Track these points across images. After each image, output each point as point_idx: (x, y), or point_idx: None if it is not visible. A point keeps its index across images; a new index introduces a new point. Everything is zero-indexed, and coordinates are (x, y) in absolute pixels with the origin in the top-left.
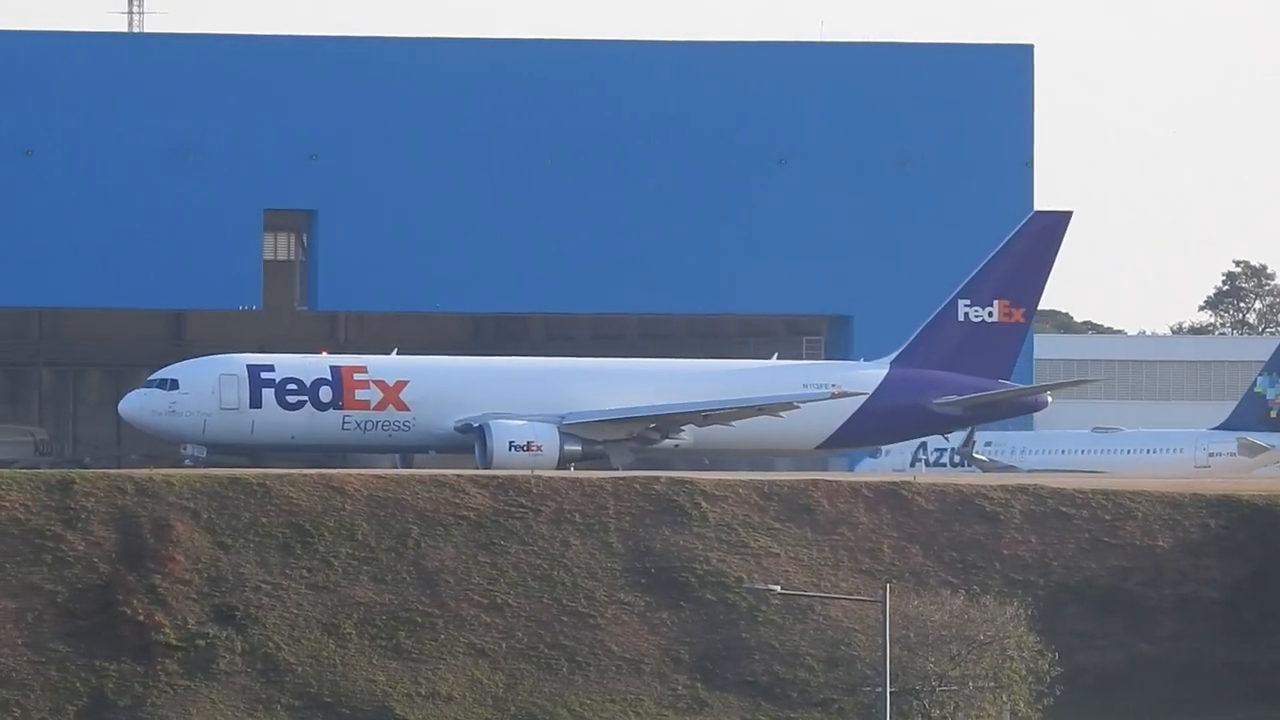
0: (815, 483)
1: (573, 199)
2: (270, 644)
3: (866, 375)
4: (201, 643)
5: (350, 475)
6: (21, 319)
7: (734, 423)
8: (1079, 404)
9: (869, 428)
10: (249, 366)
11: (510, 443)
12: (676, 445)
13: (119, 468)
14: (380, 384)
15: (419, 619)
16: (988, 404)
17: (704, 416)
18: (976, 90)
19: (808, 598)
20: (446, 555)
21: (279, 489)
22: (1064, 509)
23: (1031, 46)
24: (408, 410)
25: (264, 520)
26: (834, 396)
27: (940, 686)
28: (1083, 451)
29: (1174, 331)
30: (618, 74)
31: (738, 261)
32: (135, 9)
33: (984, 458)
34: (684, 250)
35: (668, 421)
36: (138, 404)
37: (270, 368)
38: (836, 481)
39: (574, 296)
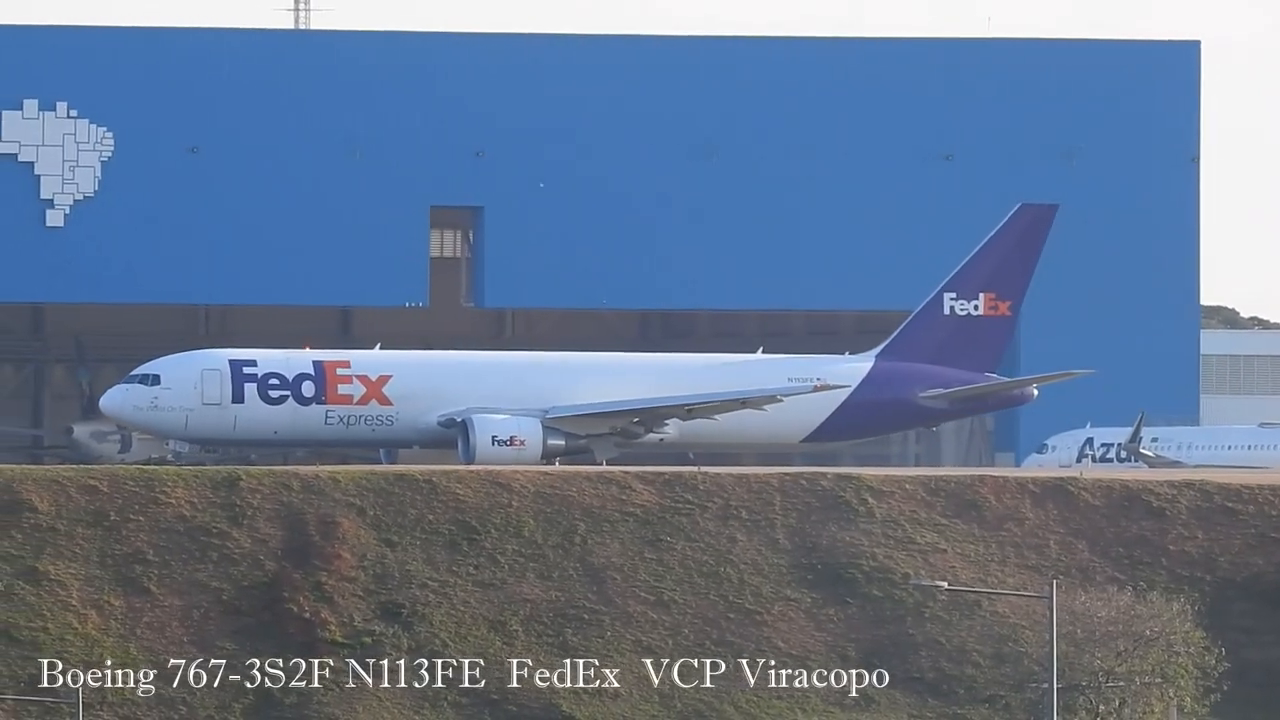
0: (982, 478)
1: (739, 195)
2: (437, 641)
3: (852, 369)
4: (368, 640)
5: (517, 472)
6: (188, 316)
7: (718, 416)
8: (1245, 399)
9: (854, 421)
10: (231, 361)
11: (493, 437)
12: (661, 439)
13: (284, 464)
14: (363, 379)
15: (585, 616)
16: (974, 397)
17: (687, 410)
18: (1142, 86)
19: (974, 594)
20: (613, 552)
21: (445, 485)
22: (1230, 504)
23: (1198, 43)
24: (391, 405)
25: (430, 517)
26: (817, 389)
27: (1107, 683)
28: (1249, 447)
29: None
30: (781, 69)
31: (903, 256)
32: (301, 6)
33: (1150, 453)
34: (851, 246)
35: (651, 415)
36: (119, 399)
37: (253, 362)
38: (1003, 477)
39: (741, 293)
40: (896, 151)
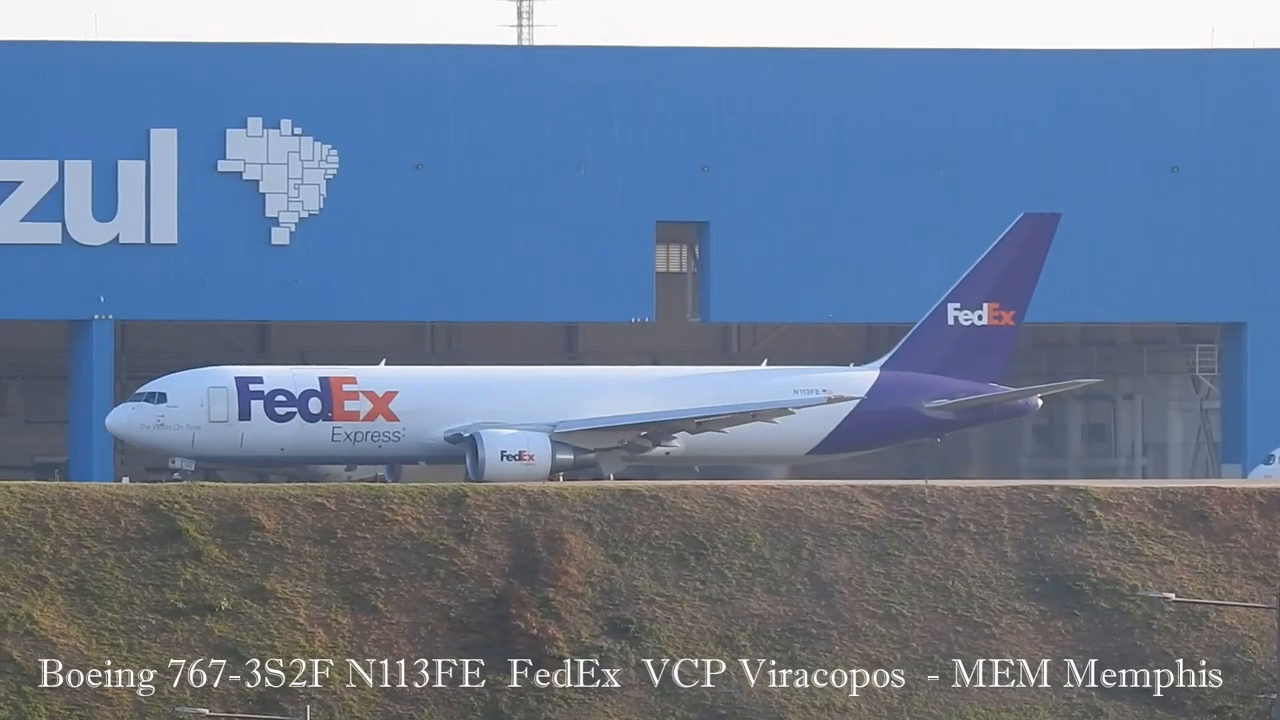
0: (1209, 490)
1: (962, 207)
2: (665, 656)
3: (858, 379)
4: (596, 656)
5: (743, 486)
6: (414, 333)
7: (727, 429)
8: None
9: (861, 432)
10: (237, 379)
11: (502, 452)
12: (668, 453)
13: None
14: (370, 394)
15: (813, 630)
16: (979, 407)
17: (697, 423)
18: None
19: (1202, 605)
20: (840, 566)
21: (672, 500)
22: None
23: None
24: (397, 421)
25: (657, 532)
26: (830, 401)
27: None
28: None
29: None
30: (1001, 81)
31: (1129, 268)
32: (525, 22)
33: None
34: (1076, 257)
35: (660, 429)
36: (125, 418)
37: (259, 379)
38: (1230, 489)
39: None
40: (1119, 163)
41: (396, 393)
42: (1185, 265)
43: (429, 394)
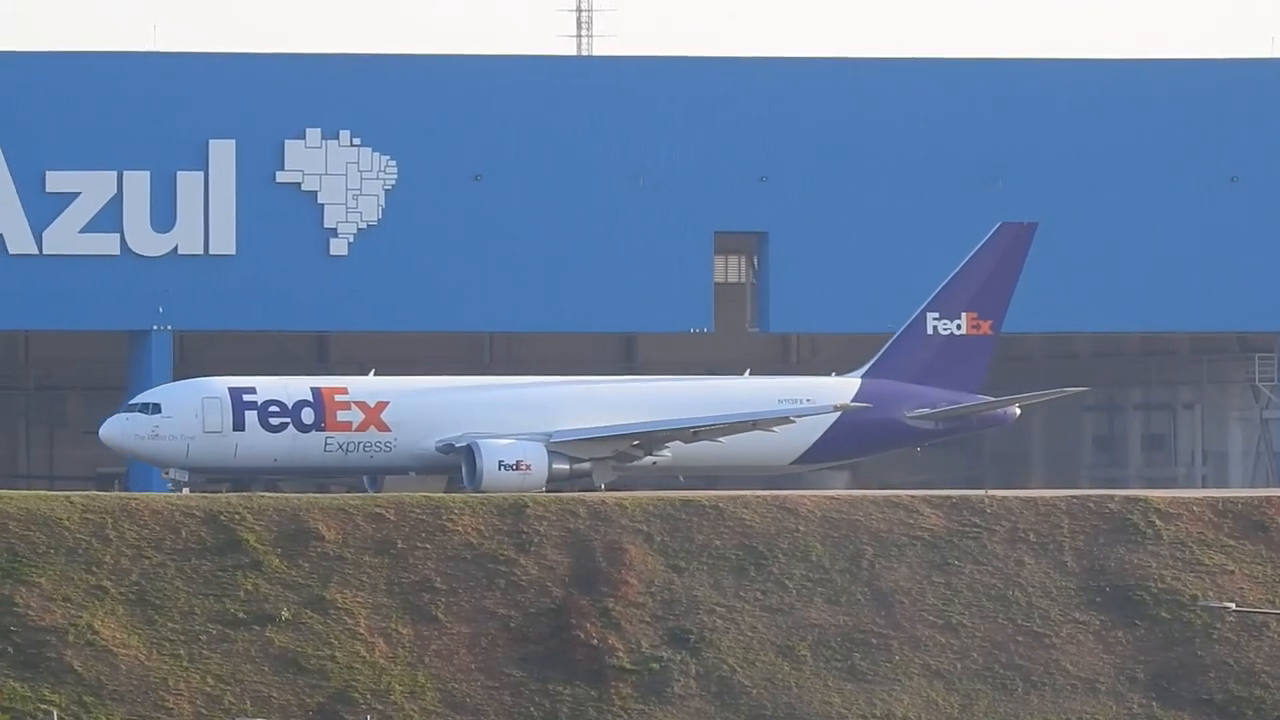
0: (1270, 500)
1: (1021, 217)
2: (725, 667)
3: (840, 388)
4: (656, 666)
5: (804, 496)
6: (473, 343)
7: (722, 439)
8: None
9: (844, 442)
10: (231, 389)
11: (500, 462)
12: (655, 462)
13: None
14: (361, 405)
15: (873, 640)
16: (959, 416)
17: (693, 432)
18: None
19: (1262, 615)
20: (900, 576)
21: (732, 510)
22: None
23: None
24: (389, 431)
25: (717, 542)
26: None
27: None
28: None
29: None
30: (1059, 91)
31: (1189, 277)
32: (584, 32)
33: None
34: (1136, 267)
35: (654, 438)
36: (120, 428)
37: (252, 390)
38: None
39: (1027, 315)
40: (1177, 172)
41: (388, 403)
42: (1244, 274)
43: (420, 404)
